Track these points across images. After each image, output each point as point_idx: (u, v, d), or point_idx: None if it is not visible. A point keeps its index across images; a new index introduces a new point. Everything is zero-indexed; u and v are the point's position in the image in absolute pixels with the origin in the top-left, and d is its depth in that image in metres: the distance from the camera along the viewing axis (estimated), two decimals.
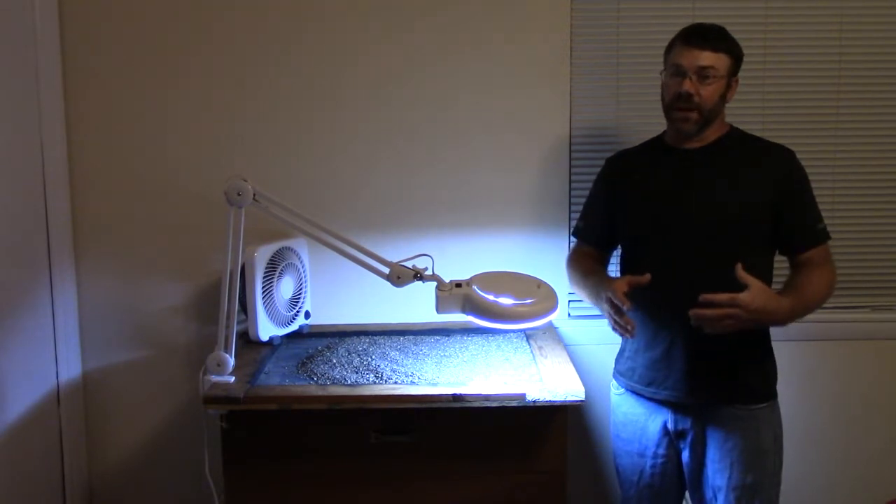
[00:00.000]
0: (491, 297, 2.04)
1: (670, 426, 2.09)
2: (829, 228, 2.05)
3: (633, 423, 2.16)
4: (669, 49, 2.06)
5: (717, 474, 2.05)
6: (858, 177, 2.61)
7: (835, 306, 2.60)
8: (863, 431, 2.69)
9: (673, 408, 2.08)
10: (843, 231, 2.58)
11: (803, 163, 2.05)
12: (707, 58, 1.98)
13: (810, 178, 2.05)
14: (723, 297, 1.86)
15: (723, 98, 2.02)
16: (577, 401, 2.00)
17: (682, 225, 2.04)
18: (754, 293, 1.87)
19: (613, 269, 2.32)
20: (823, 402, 2.67)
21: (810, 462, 2.67)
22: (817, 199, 2.06)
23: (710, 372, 2.04)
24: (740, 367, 2.04)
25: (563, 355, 2.28)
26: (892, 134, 2.60)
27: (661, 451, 2.12)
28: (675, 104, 2.01)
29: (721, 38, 2.01)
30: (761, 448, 2.03)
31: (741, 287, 1.88)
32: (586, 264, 2.21)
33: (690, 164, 2.06)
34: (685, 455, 2.10)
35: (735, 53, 2.02)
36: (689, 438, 2.08)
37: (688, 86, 1.98)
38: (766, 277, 2.04)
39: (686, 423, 2.07)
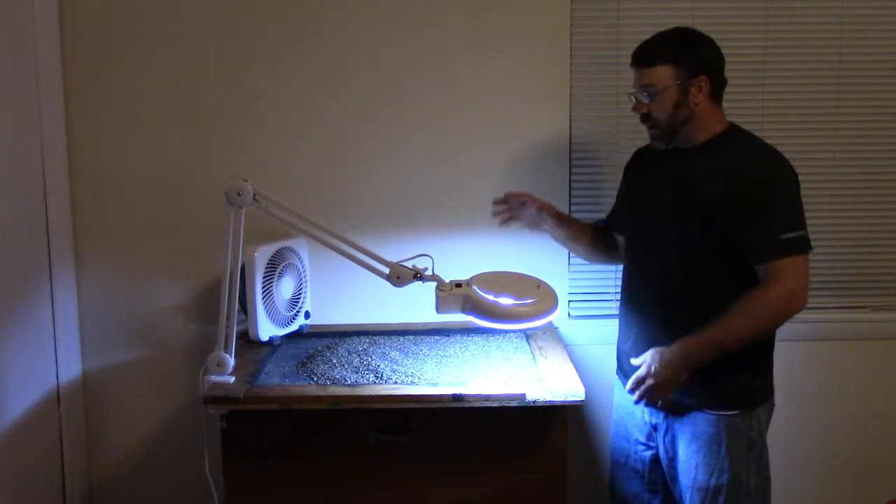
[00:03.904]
0: (491, 297, 2.04)
1: (647, 417, 2.12)
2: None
3: (624, 407, 2.19)
4: None
5: (684, 473, 2.05)
6: (858, 177, 2.60)
7: (835, 306, 2.60)
8: (862, 431, 2.69)
9: None
10: (843, 231, 2.58)
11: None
12: (644, 75, 1.98)
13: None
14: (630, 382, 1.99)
15: (680, 105, 1.95)
16: (577, 401, 2.00)
17: (656, 225, 2.05)
18: (650, 362, 1.95)
19: None
20: (823, 402, 2.66)
21: (810, 462, 2.67)
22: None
23: None
24: (707, 374, 1.95)
25: (563, 355, 2.28)
26: (892, 134, 2.60)
27: (642, 438, 2.14)
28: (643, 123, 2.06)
29: (653, 52, 1.96)
30: (729, 455, 1.98)
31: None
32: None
33: (675, 164, 2.05)
34: (660, 449, 2.11)
35: (678, 58, 1.94)
36: (661, 433, 2.09)
37: (636, 107, 2.02)
38: (730, 282, 1.94)
39: (658, 418, 2.08)
